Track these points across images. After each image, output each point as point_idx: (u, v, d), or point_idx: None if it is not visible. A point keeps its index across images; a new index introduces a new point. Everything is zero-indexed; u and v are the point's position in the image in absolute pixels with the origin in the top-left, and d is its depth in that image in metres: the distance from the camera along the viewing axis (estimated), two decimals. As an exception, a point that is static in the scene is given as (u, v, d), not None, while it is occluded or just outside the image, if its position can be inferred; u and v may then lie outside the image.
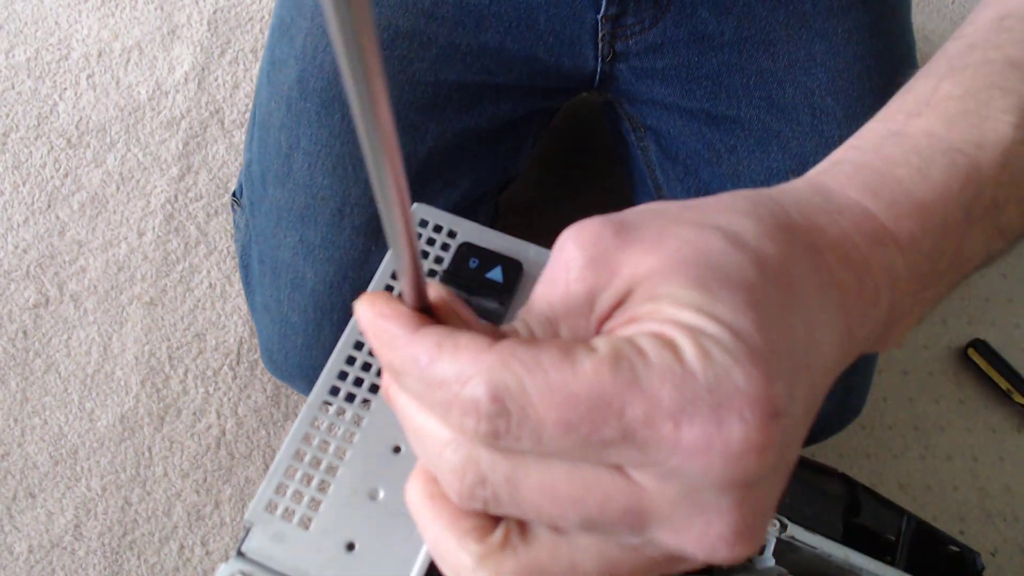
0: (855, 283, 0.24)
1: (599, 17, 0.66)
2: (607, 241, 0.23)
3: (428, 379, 0.21)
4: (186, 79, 0.99)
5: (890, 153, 0.29)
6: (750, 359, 0.20)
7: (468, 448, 0.21)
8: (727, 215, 0.23)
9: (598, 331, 0.23)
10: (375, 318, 0.23)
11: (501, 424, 0.20)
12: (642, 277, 0.22)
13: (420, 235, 0.41)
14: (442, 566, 0.23)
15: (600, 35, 0.67)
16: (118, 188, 0.92)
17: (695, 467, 0.20)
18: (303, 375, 0.68)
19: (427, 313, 0.23)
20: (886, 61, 0.67)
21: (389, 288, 0.39)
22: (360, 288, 0.64)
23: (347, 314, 0.66)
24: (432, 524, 0.23)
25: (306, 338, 0.66)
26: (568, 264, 0.23)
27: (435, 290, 0.24)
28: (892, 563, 0.57)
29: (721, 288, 0.21)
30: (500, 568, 0.22)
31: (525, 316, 0.24)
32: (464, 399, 0.20)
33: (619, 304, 0.22)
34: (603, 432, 0.20)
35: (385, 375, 0.24)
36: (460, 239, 0.40)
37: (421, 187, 0.66)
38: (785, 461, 0.21)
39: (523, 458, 0.21)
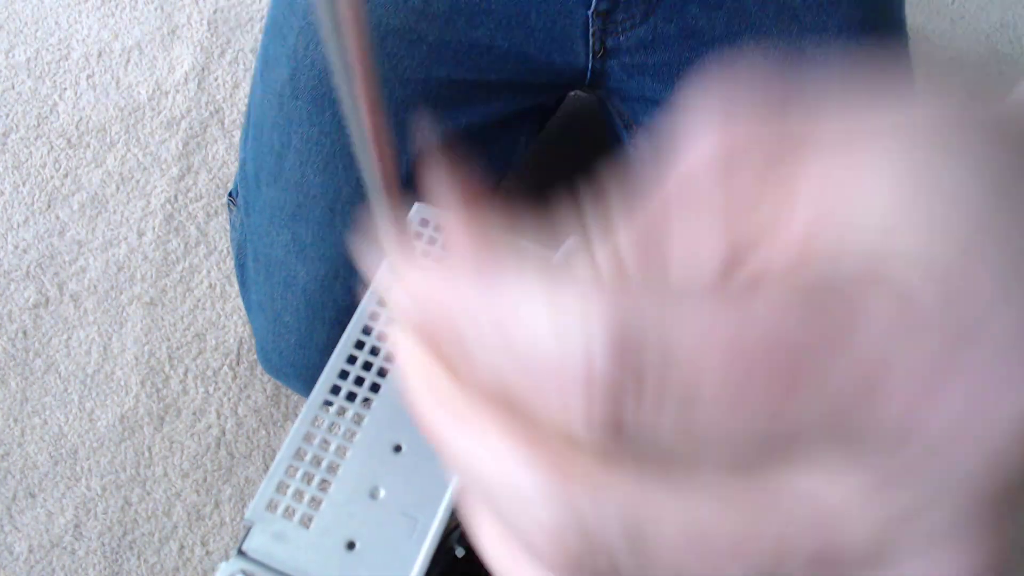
0: None
1: (589, 13, 0.66)
2: (770, 138, 0.15)
3: (510, 339, 0.13)
4: (186, 79, 0.99)
5: None
6: (1006, 290, 0.13)
7: (563, 494, 0.13)
8: (934, 117, 0.15)
9: (733, 262, 0.15)
10: (426, 279, 0.14)
11: (629, 383, 0.12)
12: (825, 191, 0.15)
13: (421, 235, 0.41)
14: None
15: (591, 31, 0.67)
16: (118, 188, 0.92)
17: (935, 466, 0.13)
18: (297, 374, 0.68)
19: None
20: (879, 56, 0.67)
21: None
22: (353, 287, 0.64)
23: (340, 312, 0.66)
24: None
25: (299, 337, 0.66)
26: (706, 159, 0.15)
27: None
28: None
29: (940, 206, 0.14)
30: None
31: (616, 228, 0.16)
32: (571, 357, 0.12)
33: (778, 224, 0.15)
34: (793, 405, 0.12)
35: (424, 400, 0.15)
36: None
37: (412, 187, 0.66)
38: None
39: (651, 488, 0.13)
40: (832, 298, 0.13)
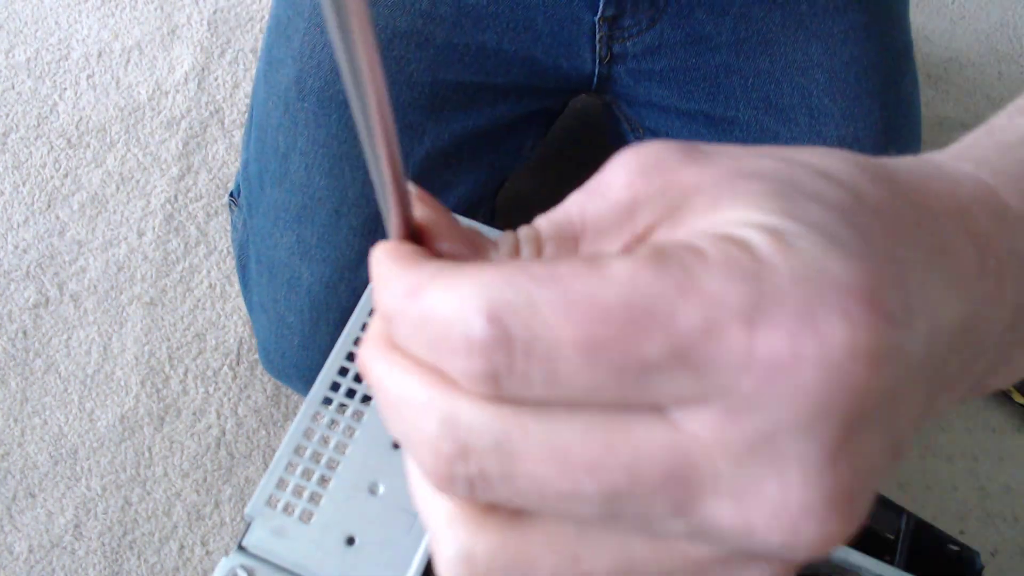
0: (975, 259, 0.18)
1: (596, 19, 0.66)
2: (671, 154, 0.18)
3: (416, 313, 0.16)
4: (186, 79, 0.99)
5: (1001, 139, 0.23)
6: (846, 250, 0.15)
7: (446, 408, 0.16)
8: (817, 155, 0.18)
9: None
10: (380, 257, 0.18)
11: (500, 357, 0.15)
12: (704, 188, 0.17)
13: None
14: (421, 514, 0.19)
15: (598, 37, 0.67)
16: (118, 188, 0.92)
17: (777, 391, 0.14)
18: (299, 375, 0.68)
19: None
20: (883, 61, 0.67)
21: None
22: (357, 289, 0.64)
23: (343, 314, 0.66)
24: (411, 467, 0.19)
25: (303, 338, 0.66)
26: (616, 171, 0.18)
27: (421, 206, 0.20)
28: (892, 562, 0.57)
29: (807, 201, 0.16)
30: (474, 540, 0.17)
31: (539, 226, 0.19)
32: (454, 328, 0.15)
33: (667, 216, 0.17)
34: (644, 349, 0.14)
35: (364, 343, 0.19)
36: None
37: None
38: (900, 413, 0.15)
39: (521, 414, 0.16)
40: (680, 251, 0.15)
